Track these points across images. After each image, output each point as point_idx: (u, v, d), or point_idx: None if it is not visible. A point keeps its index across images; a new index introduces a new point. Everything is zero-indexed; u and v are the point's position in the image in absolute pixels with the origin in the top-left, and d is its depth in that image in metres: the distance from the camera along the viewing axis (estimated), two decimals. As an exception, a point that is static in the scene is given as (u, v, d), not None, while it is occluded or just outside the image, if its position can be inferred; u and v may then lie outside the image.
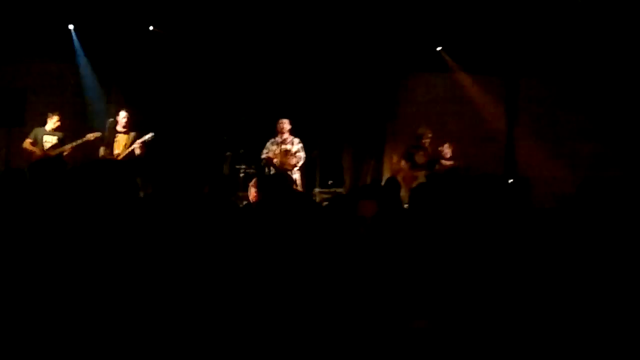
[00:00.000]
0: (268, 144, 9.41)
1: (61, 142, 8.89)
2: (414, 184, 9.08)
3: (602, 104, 9.96)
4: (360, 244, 3.08)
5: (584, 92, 10.06)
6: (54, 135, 8.93)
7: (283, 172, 8.91)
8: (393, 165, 10.27)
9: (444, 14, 9.47)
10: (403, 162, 9.61)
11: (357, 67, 10.56)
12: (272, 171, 9.16)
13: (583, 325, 2.60)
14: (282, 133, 9.33)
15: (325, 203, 8.32)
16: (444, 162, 9.51)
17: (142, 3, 9.58)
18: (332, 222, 3.45)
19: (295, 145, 9.32)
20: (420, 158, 9.42)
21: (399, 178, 9.81)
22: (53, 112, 8.99)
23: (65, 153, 8.76)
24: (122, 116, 9.09)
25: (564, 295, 2.67)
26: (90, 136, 8.88)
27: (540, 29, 9.49)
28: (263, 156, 9.39)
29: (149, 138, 8.91)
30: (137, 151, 8.84)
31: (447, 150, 9.56)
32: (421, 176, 9.28)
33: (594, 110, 10.03)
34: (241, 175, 9.56)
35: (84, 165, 3.59)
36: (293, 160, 9.25)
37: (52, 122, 8.94)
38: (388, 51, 10.38)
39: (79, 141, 8.85)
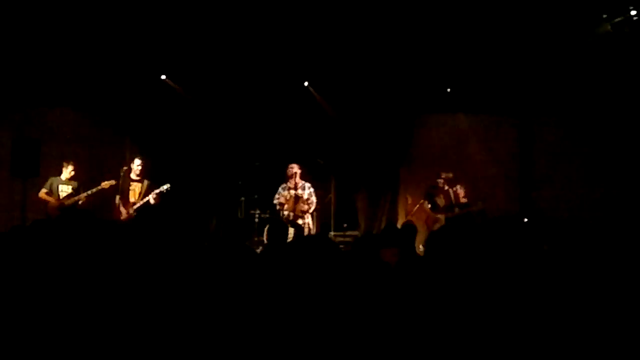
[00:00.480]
0: (280, 189, 9.37)
1: (76, 191, 8.94)
2: (436, 227, 9.06)
3: (614, 144, 9.94)
4: (384, 291, 3.03)
5: (596, 132, 10.05)
6: (69, 184, 8.98)
7: (293, 220, 8.92)
8: (408, 207, 10.20)
9: (459, 55, 9.52)
10: (425, 204, 9.54)
11: (370, 110, 10.58)
12: (285, 216, 9.12)
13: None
14: (293, 178, 9.28)
15: (342, 246, 8.30)
16: (461, 200, 9.45)
17: (156, 53, 9.71)
18: (354, 267, 3.40)
19: (306, 191, 9.26)
20: (440, 200, 9.37)
21: (419, 220, 9.79)
22: (68, 161, 9.06)
23: (80, 202, 8.82)
24: (137, 164, 9.14)
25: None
26: (105, 184, 8.91)
27: (554, 70, 9.52)
28: (275, 202, 9.35)
29: (165, 189, 8.93)
30: (152, 201, 8.87)
31: (460, 192, 9.53)
32: (442, 219, 9.23)
33: (606, 150, 10.00)
34: (256, 220, 9.57)
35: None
36: (305, 207, 9.17)
37: (67, 171, 9.00)
38: (401, 93, 10.42)
39: (94, 190, 8.88)
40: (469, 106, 10.43)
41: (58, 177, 8.98)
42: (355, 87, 10.27)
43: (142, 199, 8.91)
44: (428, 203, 9.48)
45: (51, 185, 8.90)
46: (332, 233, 9.84)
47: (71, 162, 9.05)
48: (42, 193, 8.85)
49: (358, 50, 9.55)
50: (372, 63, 9.82)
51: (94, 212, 8.86)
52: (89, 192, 8.88)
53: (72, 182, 9.01)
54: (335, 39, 9.34)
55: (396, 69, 9.98)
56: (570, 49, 9.11)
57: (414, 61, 9.79)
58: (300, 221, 9.08)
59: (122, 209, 8.93)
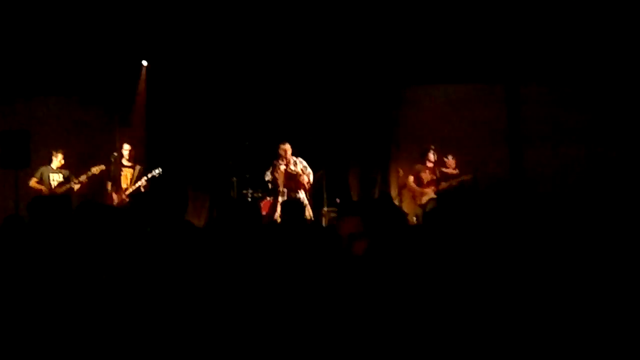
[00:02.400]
0: (272, 165, 9.37)
1: (67, 180, 8.91)
2: (424, 200, 9.09)
3: (603, 106, 9.96)
4: (344, 264, 3.00)
5: (584, 95, 10.06)
6: (59, 173, 8.94)
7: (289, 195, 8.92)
8: (400, 179, 10.21)
9: (443, 23, 9.48)
10: (411, 179, 9.58)
11: (357, 82, 10.54)
12: (280, 192, 9.11)
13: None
14: (285, 157, 9.29)
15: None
16: (448, 171, 9.46)
17: (143, 36, 9.61)
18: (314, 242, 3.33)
19: (299, 165, 9.26)
20: (426, 176, 9.38)
21: (409, 192, 9.81)
22: (57, 149, 9.00)
23: (75, 189, 8.77)
24: (126, 149, 9.10)
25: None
26: (95, 170, 8.87)
27: (539, 34, 9.50)
28: (267, 179, 9.32)
29: (157, 173, 8.90)
30: (142, 188, 8.86)
31: (450, 162, 9.56)
32: (430, 192, 9.25)
33: (595, 112, 10.03)
34: (248, 199, 9.56)
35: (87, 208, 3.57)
36: (303, 179, 9.19)
37: (57, 160, 8.96)
38: (388, 64, 10.38)
39: (85, 177, 8.84)
40: (455, 75, 10.39)
41: (48, 166, 8.94)
42: (341, 59, 10.21)
43: (134, 185, 8.91)
44: (414, 179, 9.53)
45: (42, 174, 8.86)
46: (325, 209, 9.84)
47: (60, 151, 9.01)
48: (33, 182, 8.80)
49: (341, 24, 9.50)
50: (358, 34, 9.77)
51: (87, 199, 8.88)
52: (81, 178, 8.85)
53: (63, 171, 8.97)
54: (320, 15, 9.29)
55: (382, 40, 9.94)
56: (557, 10, 9.09)
57: (400, 30, 9.74)
58: (295, 195, 9.10)
59: (114, 195, 8.92)
